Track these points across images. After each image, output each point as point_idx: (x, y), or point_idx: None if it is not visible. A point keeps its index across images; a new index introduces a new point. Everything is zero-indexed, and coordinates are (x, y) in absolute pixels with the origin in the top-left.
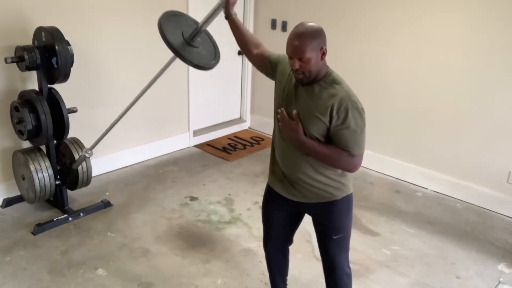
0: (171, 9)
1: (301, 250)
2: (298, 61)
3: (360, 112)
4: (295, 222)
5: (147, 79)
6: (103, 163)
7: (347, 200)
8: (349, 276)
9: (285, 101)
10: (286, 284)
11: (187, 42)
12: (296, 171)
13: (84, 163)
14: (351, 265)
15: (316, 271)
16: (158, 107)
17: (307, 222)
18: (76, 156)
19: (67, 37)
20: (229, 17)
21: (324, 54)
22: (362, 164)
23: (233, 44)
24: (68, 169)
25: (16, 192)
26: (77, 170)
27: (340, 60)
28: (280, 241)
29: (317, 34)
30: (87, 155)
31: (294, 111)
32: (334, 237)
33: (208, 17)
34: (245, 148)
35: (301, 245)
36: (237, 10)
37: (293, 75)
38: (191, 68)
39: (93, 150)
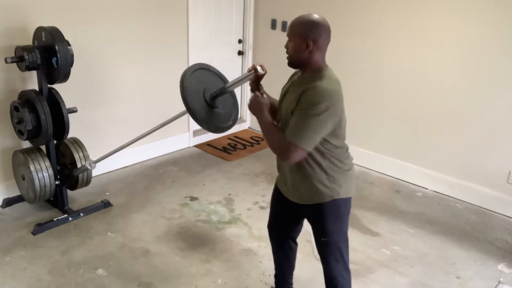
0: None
1: (301, 250)
2: (287, 40)
3: (320, 102)
4: (296, 219)
5: (147, 79)
6: (103, 163)
7: (335, 205)
8: (341, 285)
9: (281, 98)
10: (291, 284)
11: (208, 104)
12: (287, 171)
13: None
14: (351, 265)
15: (316, 271)
16: (158, 107)
17: (307, 222)
18: (76, 156)
19: (67, 37)
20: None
21: (308, 46)
22: (362, 164)
23: (233, 43)
24: (69, 173)
25: (16, 192)
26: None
27: (341, 60)
28: (281, 230)
29: (308, 24)
30: (89, 167)
31: (260, 90)
32: (322, 239)
33: (235, 82)
34: (245, 148)
35: (301, 245)
36: (237, 10)
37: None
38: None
39: (93, 150)
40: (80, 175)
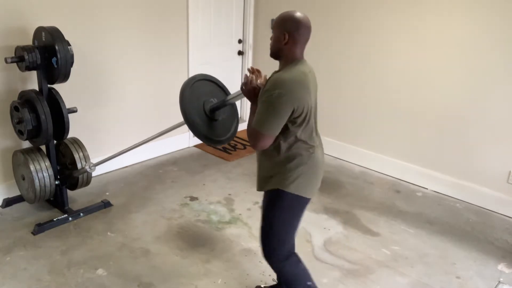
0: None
1: (301, 250)
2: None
3: (274, 89)
4: None
5: (147, 79)
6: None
7: (279, 195)
8: (279, 267)
9: None
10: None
11: (207, 116)
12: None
13: (84, 163)
14: (351, 265)
15: (316, 271)
16: (158, 107)
17: (307, 221)
18: (76, 157)
19: (67, 37)
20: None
21: (285, 39)
22: (362, 164)
23: (233, 43)
24: (68, 173)
25: (16, 192)
26: (77, 169)
27: (341, 60)
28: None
29: (287, 19)
30: (89, 170)
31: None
32: (261, 223)
33: (237, 96)
34: (245, 148)
35: (301, 245)
36: (237, 10)
37: None
38: (191, 67)
39: (93, 150)
40: (80, 175)
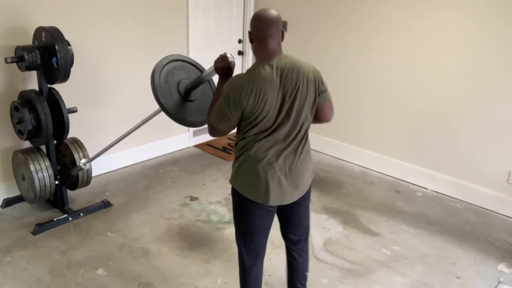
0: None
1: None
2: None
3: (223, 91)
4: None
5: (147, 79)
6: (103, 163)
7: (234, 192)
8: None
9: None
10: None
11: (182, 97)
12: None
13: None
14: (351, 265)
15: (317, 271)
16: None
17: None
18: (76, 156)
19: (67, 37)
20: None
21: (251, 41)
22: (362, 164)
23: (233, 43)
24: (68, 172)
25: (16, 192)
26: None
27: (341, 60)
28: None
29: (251, 21)
30: (84, 167)
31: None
32: None
33: (210, 72)
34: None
35: None
36: (237, 10)
37: None
38: None
39: (93, 150)
40: (80, 175)
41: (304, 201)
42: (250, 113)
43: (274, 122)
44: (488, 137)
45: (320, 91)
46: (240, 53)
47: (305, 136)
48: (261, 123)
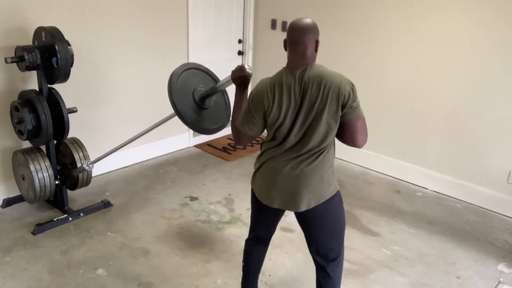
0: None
1: (302, 250)
2: None
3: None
4: None
5: (147, 79)
6: (103, 163)
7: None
8: None
9: None
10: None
11: (197, 104)
12: None
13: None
14: (351, 265)
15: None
16: (158, 107)
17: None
18: (76, 157)
19: (67, 37)
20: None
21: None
22: (362, 164)
23: (233, 43)
24: (68, 173)
25: (16, 192)
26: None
27: (341, 60)
28: None
29: None
30: (87, 168)
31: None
32: None
33: (225, 82)
34: (245, 148)
35: (302, 245)
36: (237, 10)
37: None
38: None
39: (93, 150)
40: (80, 175)
41: (318, 219)
42: (271, 116)
43: (289, 130)
44: (488, 137)
45: (346, 107)
46: (240, 53)
47: (322, 150)
48: (277, 128)
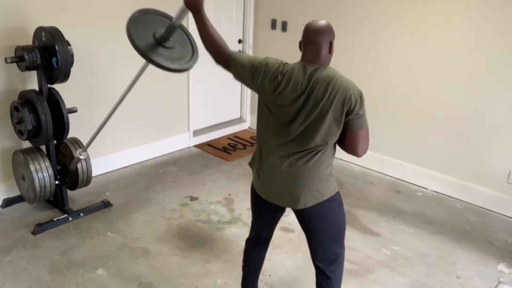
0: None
1: (302, 250)
2: None
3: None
4: None
5: (146, 79)
6: (103, 163)
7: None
8: None
9: None
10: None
11: (158, 43)
12: None
13: (84, 163)
14: (351, 265)
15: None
16: (158, 107)
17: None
18: None
19: (67, 37)
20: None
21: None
22: (362, 164)
23: (233, 44)
24: (65, 170)
25: (16, 192)
26: (77, 170)
27: (341, 59)
28: None
29: None
30: (81, 157)
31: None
32: None
33: (179, 15)
34: (245, 148)
35: (302, 246)
36: (237, 10)
37: None
38: None
39: (94, 151)
40: (80, 175)
41: (317, 219)
42: (267, 93)
43: (289, 124)
44: (488, 137)
45: (352, 113)
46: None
47: (320, 149)
48: (275, 116)
